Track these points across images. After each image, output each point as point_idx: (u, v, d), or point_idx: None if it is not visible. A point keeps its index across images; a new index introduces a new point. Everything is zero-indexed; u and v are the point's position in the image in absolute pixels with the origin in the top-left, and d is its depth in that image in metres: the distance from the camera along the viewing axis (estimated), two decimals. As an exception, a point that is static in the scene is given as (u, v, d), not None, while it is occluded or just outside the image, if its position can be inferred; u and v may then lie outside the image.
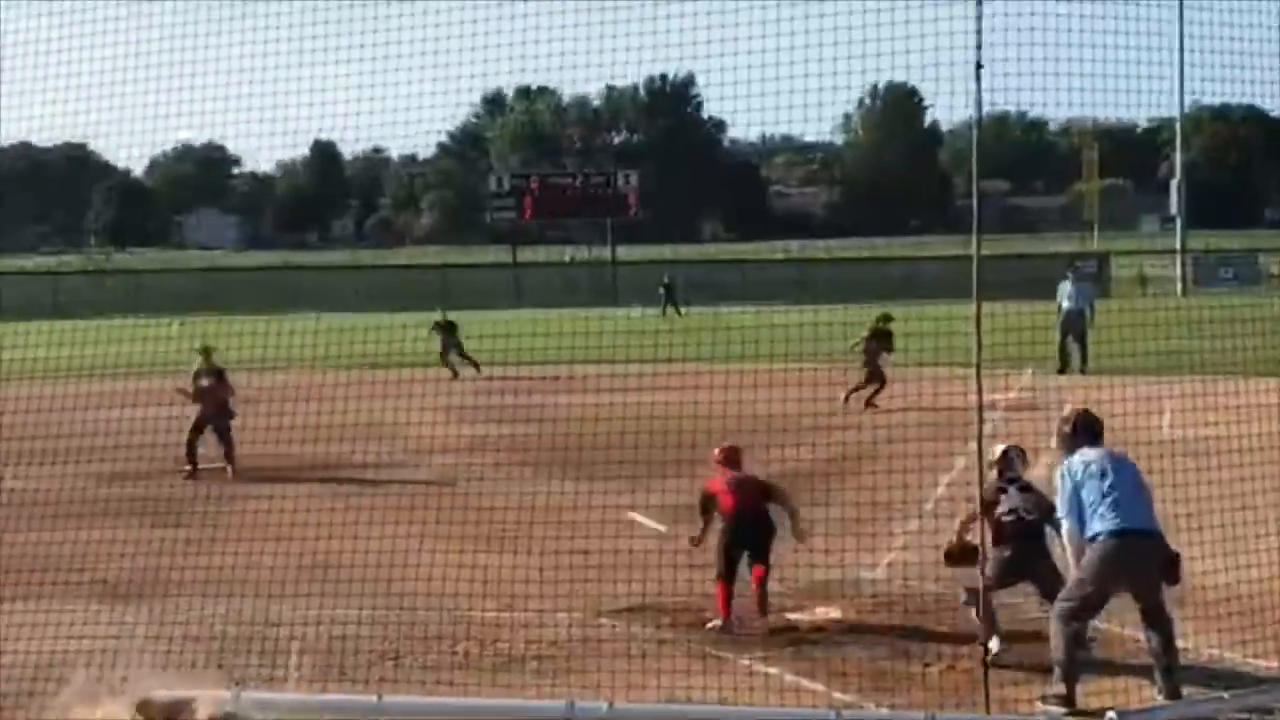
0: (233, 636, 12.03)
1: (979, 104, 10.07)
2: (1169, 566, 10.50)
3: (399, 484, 19.30)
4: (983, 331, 10.22)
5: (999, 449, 12.35)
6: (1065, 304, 31.91)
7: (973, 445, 10.73)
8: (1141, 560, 10.36)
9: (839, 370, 22.12)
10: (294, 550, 13.32)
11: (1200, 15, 12.27)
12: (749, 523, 12.90)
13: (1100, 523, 10.34)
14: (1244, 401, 16.11)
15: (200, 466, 21.26)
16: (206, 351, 22.41)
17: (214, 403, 21.67)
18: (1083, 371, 29.92)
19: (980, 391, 10.25)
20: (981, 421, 10.41)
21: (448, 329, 33.22)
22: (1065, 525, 10.58)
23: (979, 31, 9.85)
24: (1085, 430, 10.93)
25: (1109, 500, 10.36)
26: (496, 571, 12.82)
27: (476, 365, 31.39)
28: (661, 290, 57.91)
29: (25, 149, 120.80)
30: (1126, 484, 10.52)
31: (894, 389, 25.45)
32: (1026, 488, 12.00)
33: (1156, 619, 10.47)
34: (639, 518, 15.57)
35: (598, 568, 12.28)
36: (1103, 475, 10.48)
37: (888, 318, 27.13)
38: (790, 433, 18.14)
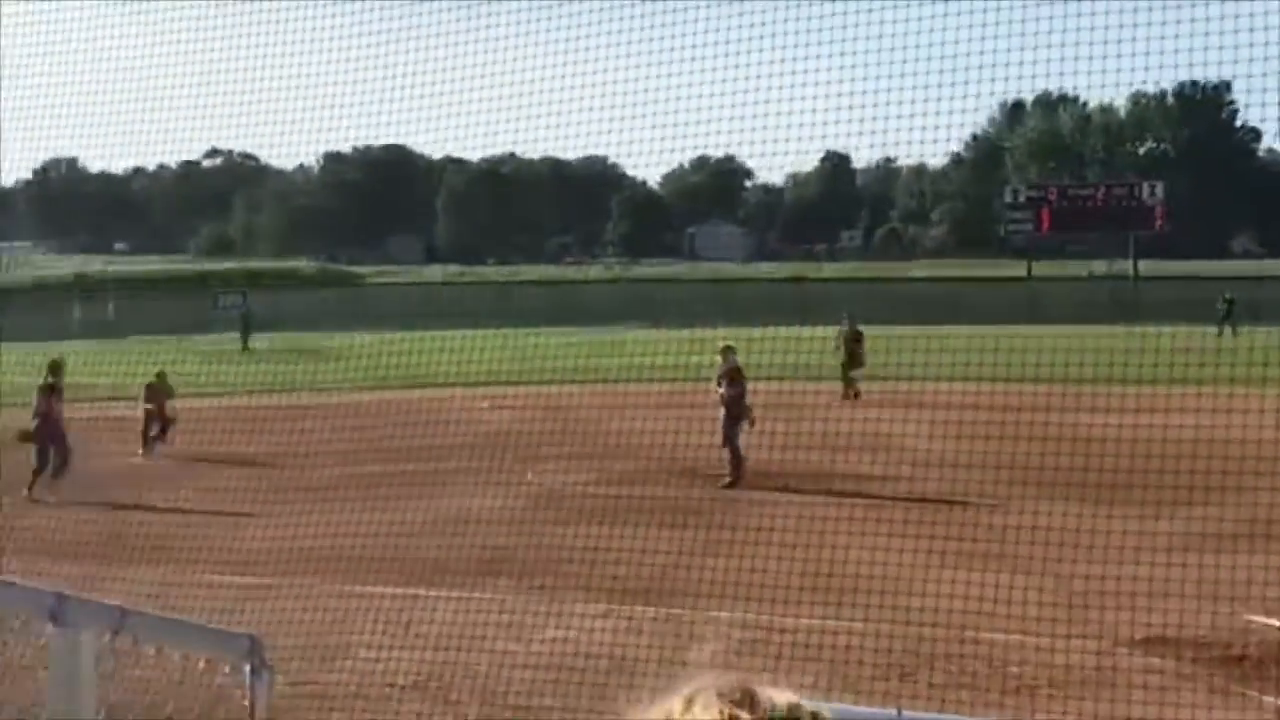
0: (738, 640, 12.12)
1: None
2: None
3: (903, 498, 19.07)
4: None
5: None
6: None
7: None
8: None
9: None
10: (802, 558, 13.31)
11: None
12: None
13: None
14: None
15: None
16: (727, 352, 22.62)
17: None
18: None
19: None
20: None
21: (857, 339, 32.96)
22: None
23: None
24: None
25: None
26: (1008, 592, 12.37)
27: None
28: (1221, 307, 54.94)
29: (551, 162, 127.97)
30: None
31: None
32: None
33: None
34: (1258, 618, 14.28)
35: (1118, 594, 11.68)
36: None
37: None
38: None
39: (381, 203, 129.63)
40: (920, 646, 11.91)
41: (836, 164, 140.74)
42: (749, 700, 1.64)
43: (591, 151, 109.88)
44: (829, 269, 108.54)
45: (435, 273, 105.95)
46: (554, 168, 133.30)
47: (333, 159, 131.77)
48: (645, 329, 36.42)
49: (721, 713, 1.59)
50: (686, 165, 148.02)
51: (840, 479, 20.68)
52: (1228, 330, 51.29)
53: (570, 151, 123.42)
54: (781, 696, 1.72)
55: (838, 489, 20.11)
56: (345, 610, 13.30)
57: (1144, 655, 11.80)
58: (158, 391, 27.25)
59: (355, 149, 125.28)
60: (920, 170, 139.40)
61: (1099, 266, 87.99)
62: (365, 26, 18.07)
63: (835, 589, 12.96)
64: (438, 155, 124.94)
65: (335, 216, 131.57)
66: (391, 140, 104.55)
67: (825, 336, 33.00)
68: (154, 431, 26.92)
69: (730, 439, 21.56)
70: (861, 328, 33.63)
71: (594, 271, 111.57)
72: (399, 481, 21.67)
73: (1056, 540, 13.96)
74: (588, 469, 23.10)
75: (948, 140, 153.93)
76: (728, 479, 21.15)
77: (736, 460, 21.38)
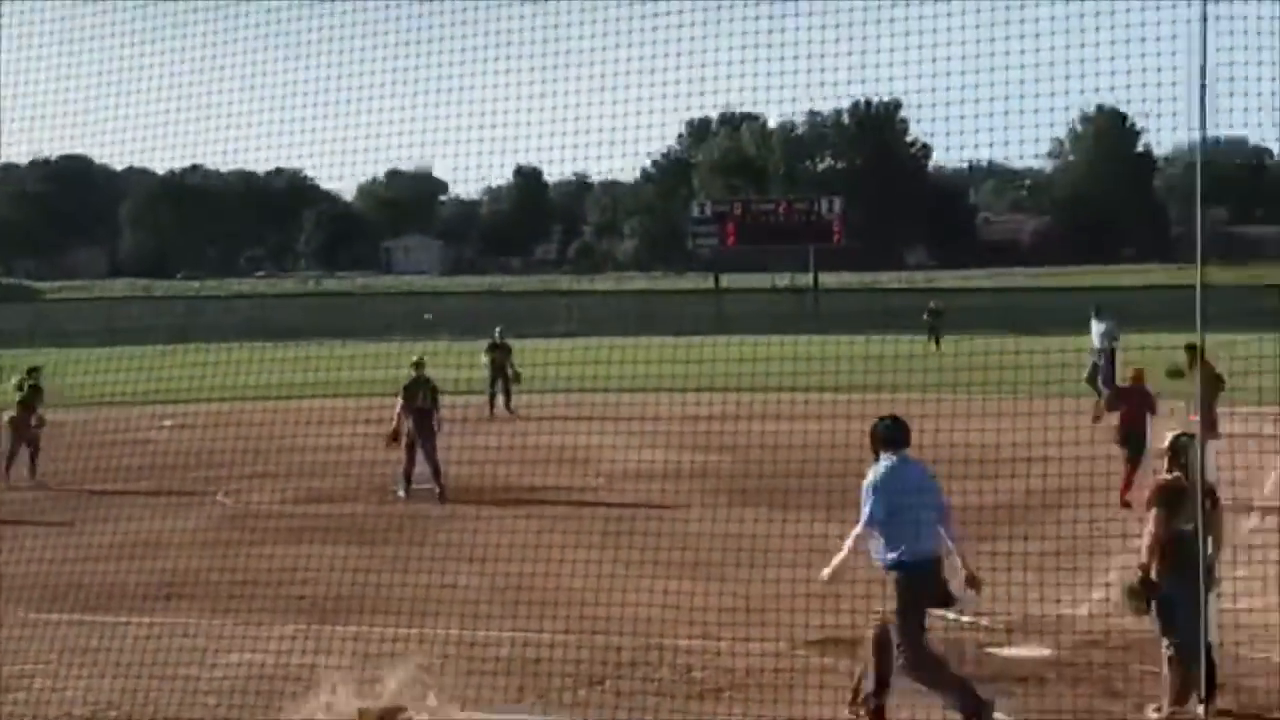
0: (435, 656, 12.11)
1: (1204, 124, 9.72)
2: None
3: (596, 508, 19.32)
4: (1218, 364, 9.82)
5: (1168, 436, 11.13)
6: (1095, 344, 30.79)
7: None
8: None
9: (1061, 399, 21.48)
10: (488, 572, 13.39)
11: None
12: None
13: None
14: None
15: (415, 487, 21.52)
16: (419, 365, 22.57)
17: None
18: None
19: (1204, 422, 9.85)
20: (1204, 452, 10.00)
21: (503, 350, 33.05)
22: None
23: (1204, 52, 9.51)
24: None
25: None
26: (693, 599, 12.68)
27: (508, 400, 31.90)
28: (927, 318, 56.31)
29: (241, 174, 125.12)
30: None
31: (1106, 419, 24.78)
32: (1209, 492, 10.67)
33: None
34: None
35: (795, 597, 12.09)
36: None
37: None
38: (1004, 463, 17.72)
39: (62, 215, 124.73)
40: (609, 655, 12.11)
41: (530, 178, 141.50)
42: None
43: (283, 164, 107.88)
44: (524, 282, 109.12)
45: (120, 287, 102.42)
46: (245, 179, 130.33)
47: (6, 170, 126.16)
48: (339, 343, 35.94)
49: None
50: (381, 178, 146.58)
51: (533, 492, 20.84)
52: (934, 339, 52.49)
53: (262, 164, 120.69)
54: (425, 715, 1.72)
55: (530, 502, 20.27)
56: (20, 639, 12.82)
57: (821, 656, 12.25)
58: None
59: (34, 161, 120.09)
60: (611, 185, 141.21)
61: (782, 279, 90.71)
62: (37, 29, 17.38)
63: (527, 601, 13.09)
64: (120, 166, 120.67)
65: (10, 229, 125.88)
66: (72, 150, 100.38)
67: (523, 351, 33.20)
68: None
69: (429, 454, 21.55)
70: (510, 341, 33.66)
71: (288, 285, 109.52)
72: (81, 504, 20.94)
73: (738, 546, 14.36)
74: (279, 487, 22.71)
75: (636, 155, 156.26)
76: (438, 491, 21.17)
77: (436, 472, 21.38)
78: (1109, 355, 30.89)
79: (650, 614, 12.26)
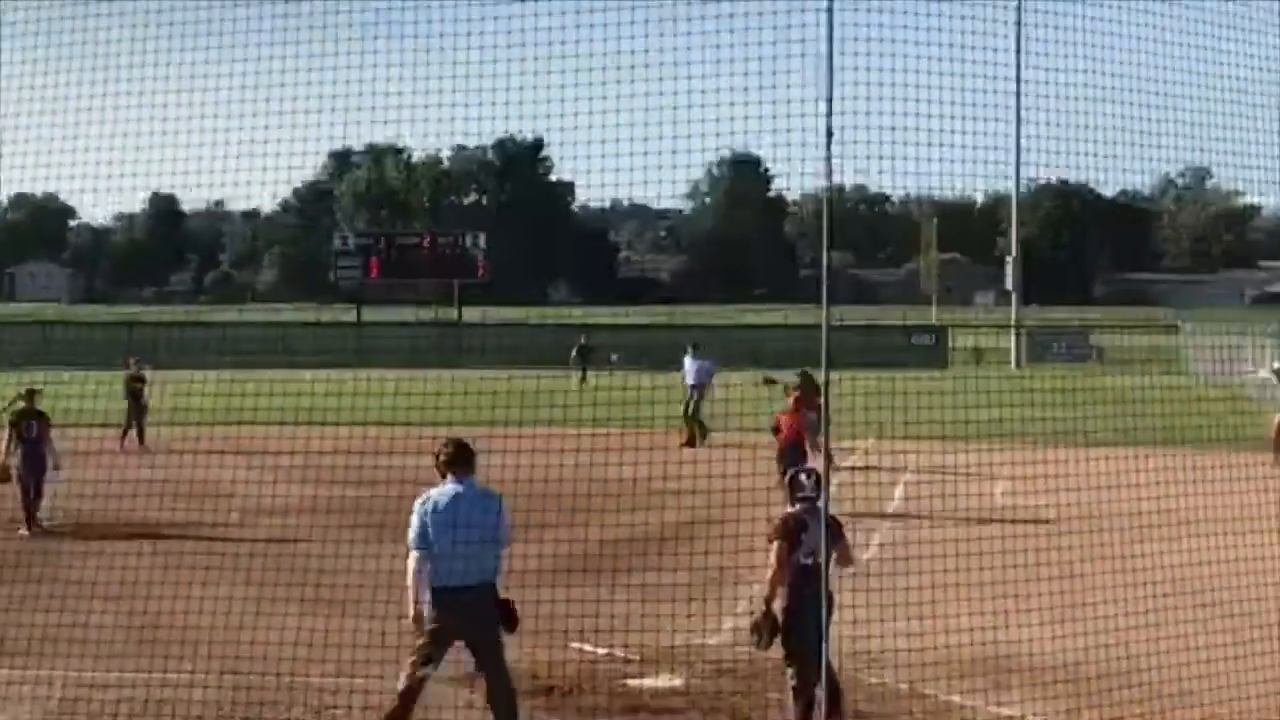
0: (60, 698, 11.60)
1: (829, 171, 10.17)
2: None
3: (230, 544, 18.85)
4: (830, 398, 10.28)
5: (791, 471, 11.53)
6: (688, 380, 32.53)
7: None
8: None
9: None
10: (121, 610, 12.91)
11: (1038, 101, 12.56)
12: None
13: None
14: (1074, 471, 16.43)
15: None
16: (31, 395, 21.59)
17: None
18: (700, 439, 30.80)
19: (828, 456, 10.30)
20: (828, 484, 10.45)
21: (139, 381, 31.47)
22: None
23: (830, 100, 9.98)
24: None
25: None
26: (327, 636, 12.50)
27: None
28: (575, 353, 56.63)
29: None
30: None
31: (740, 453, 25.58)
32: (833, 525, 10.95)
33: None
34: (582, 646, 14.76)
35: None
36: None
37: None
38: (640, 496, 18.12)
39: None
40: (241, 695, 11.83)
41: (164, 206, 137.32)
42: None
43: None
44: (158, 312, 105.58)
45: None
46: None
47: None
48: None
49: None
50: (5, 202, 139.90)
51: (167, 527, 20.16)
52: (582, 374, 52.90)
53: None
54: None
55: (164, 537, 19.61)
56: None
57: (458, 690, 12.24)
58: None
59: None
60: (252, 214, 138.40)
61: (426, 313, 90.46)
62: None
63: (159, 640, 12.67)
64: None
65: None
66: None
67: (159, 382, 32.13)
68: None
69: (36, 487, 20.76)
70: (147, 372, 32.60)
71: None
72: None
73: (375, 582, 14.24)
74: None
75: (278, 184, 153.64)
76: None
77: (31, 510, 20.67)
78: (701, 391, 32.16)
79: (283, 652, 12.04)
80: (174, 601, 13.36)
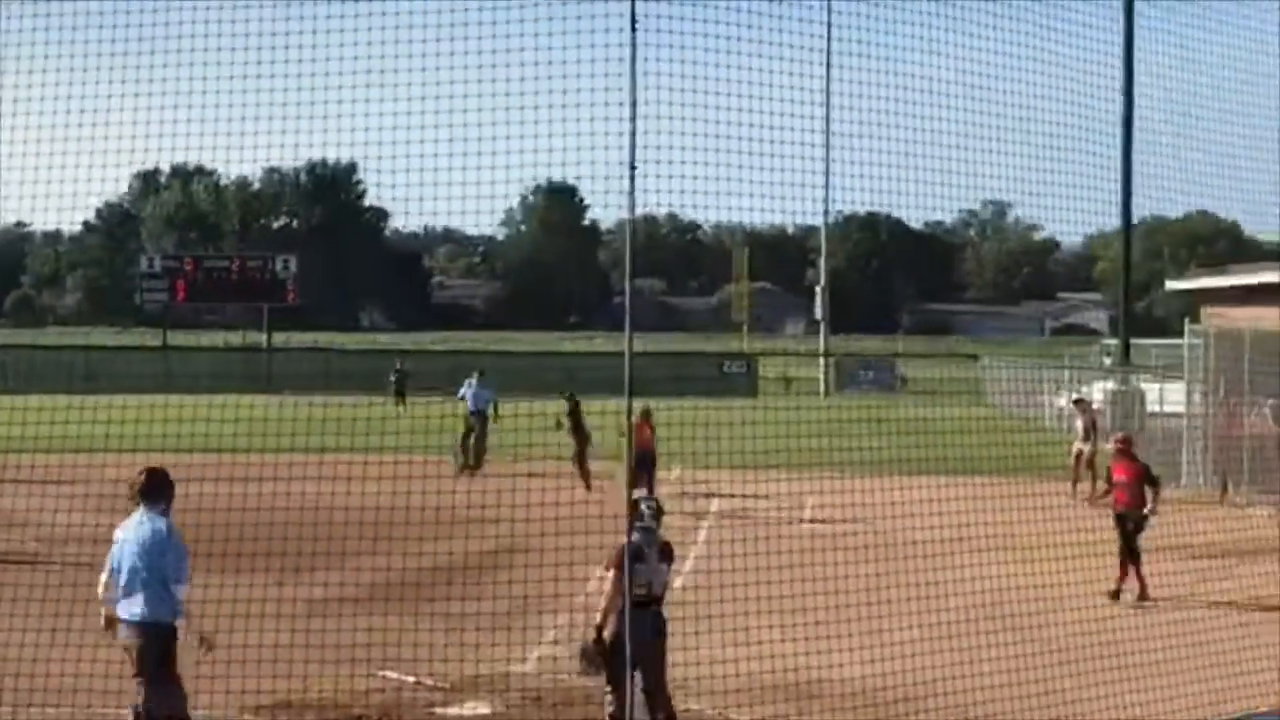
0: None
1: (632, 204, 10.34)
2: None
3: (25, 573, 18.35)
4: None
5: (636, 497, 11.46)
6: (470, 406, 32.88)
7: (620, 538, 10.90)
8: None
9: (514, 463, 22.04)
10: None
11: (845, 128, 12.87)
12: None
13: None
14: (879, 499, 16.81)
15: None
16: None
17: None
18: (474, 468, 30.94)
19: (630, 484, 10.42)
20: (632, 514, 10.57)
21: None
22: None
23: (633, 134, 10.14)
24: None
25: None
26: (123, 667, 12.24)
27: None
28: (393, 378, 56.17)
29: None
30: None
31: (546, 483, 25.67)
32: (665, 550, 11.16)
33: None
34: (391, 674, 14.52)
35: (241, 662, 11.93)
36: None
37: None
38: (444, 525, 18.07)
39: None
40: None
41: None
42: None
43: None
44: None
45: None
46: None
47: None
48: None
49: None
50: None
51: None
52: (399, 399, 52.57)
53: None
54: None
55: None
56: None
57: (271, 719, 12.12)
58: None
59: None
60: (54, 235, 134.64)
61: (234, 337, 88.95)
62: None
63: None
64: None
65: None
66: None
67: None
68: None
69: None
70: None
71: None
72: None
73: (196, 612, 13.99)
74: None
75: (82, 206, 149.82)
76: None
77: None
78: (484, 418, 32.29)
79: (79, 684, 11.78)
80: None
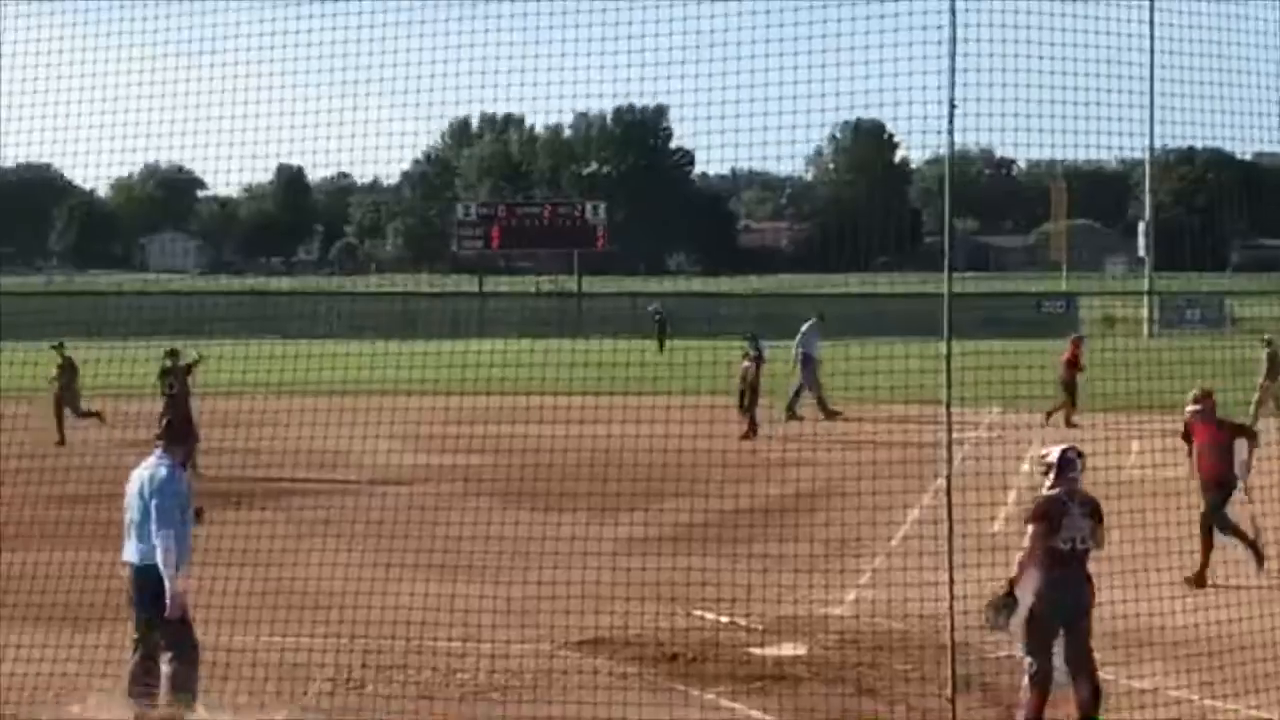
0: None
1: (951, 142, 10.06)
2: None
3: (357, 511, 19.11)
4: (952, 369, 10.17)
5: (1055, 450, 10.66)
6: (804, 350, 31.80)
7: (939, 482, 10.67)
8: None
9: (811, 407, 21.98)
10: (251, 576, 13.12)
11: (1169, 59, 12.27)
12: None
13: None
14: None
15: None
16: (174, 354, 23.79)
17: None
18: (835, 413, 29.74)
19: (950, 428, 10.18)
20: (951, 459, 10.34)
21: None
22: None
23: (953, 70, 9.85)
24: None
25: None
26: (454, 601, 12.62)
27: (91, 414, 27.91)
28: (657, 321, 57.28)
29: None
30: None
31: (861, 426, 25.44)
32: (1090, 506, 10.39)
33: None
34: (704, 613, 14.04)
35: (552, 599, 12.18)
36: None
37: None
38: (759, 468, 18.09)
39: None
40: (371, 659, 12.01)
41: (291, 178, 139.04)
42: None
43: (33, 158, 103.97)
44: (286, 283, 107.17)
45: None
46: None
47: None
48: (88, 341, 34.81)
49: None
50: (136, 174, 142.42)
51: (292, 494, 20.51)
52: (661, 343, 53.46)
53: (9, 158, 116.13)
54: None
55: (290, 504, 19.94)
56: None
57: (584, 656, 12.34)
58: None
59: None
60: (375, 185, 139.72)
61: (545, 282, 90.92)
62: None
63: (287, 605, 12.87)
64: None
65: None
66: None
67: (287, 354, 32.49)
68: None
69: None
70: (279, 344, 32.79)
71: (36, 283, 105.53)
72: None
73: (503, 548, 14.39)
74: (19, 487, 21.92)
75: (401, 159, 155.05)
76: None
77: None
78: (814, 364, 31.41)
79: (412, 616, 12.17)
80: (301, 568, 13.55)
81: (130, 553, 10.55)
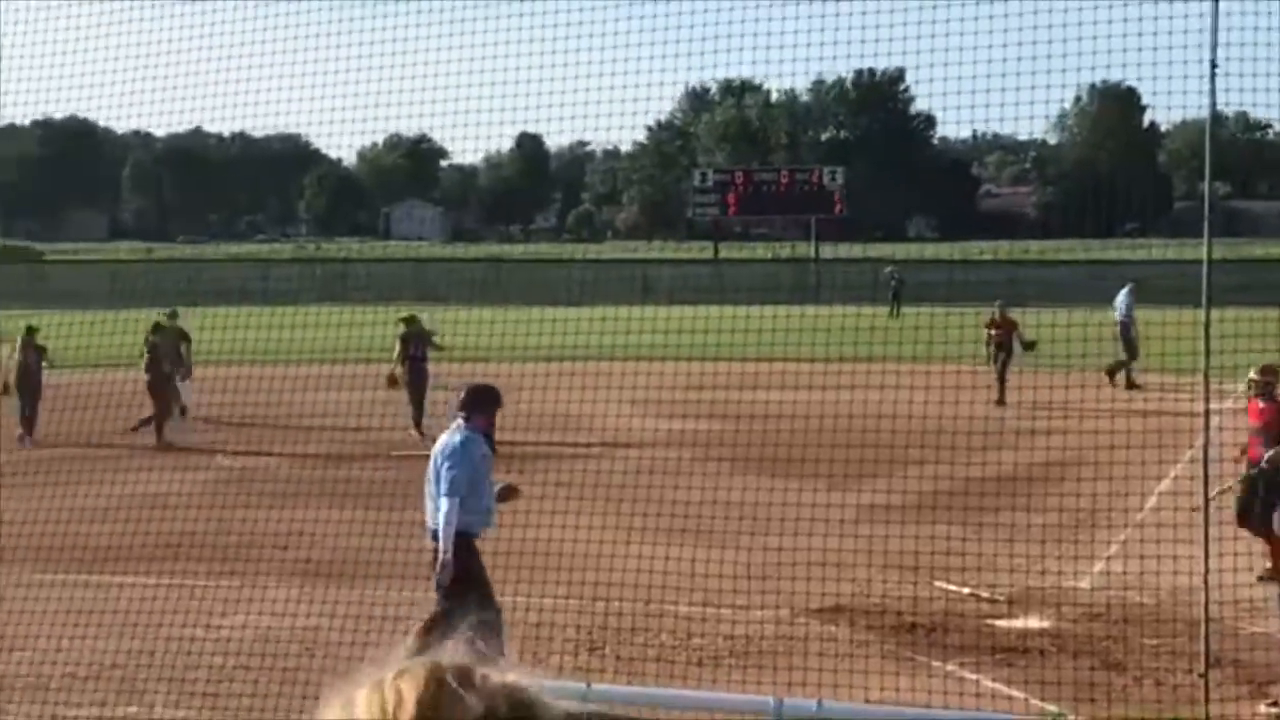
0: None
1: (1213, 104, 9.67)
2: None
3: (597, 475, 19.31)
4: (1211, 337, 9.79)
5: None
6: (1121, 315, 30.58)
7: (1189, 454, 10.32)
8: None
9: (1057, 374, 21.47)
10: (495, 536, 13.36)
11: None
12: None
13: None
14: None
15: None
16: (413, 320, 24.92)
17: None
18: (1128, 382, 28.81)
19: (1208, 398, 9.82)
20: (1209, 429, 9.98)
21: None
22: None
23: (1215, 30, 9.47)
24: None
25: None
26: (693, 565, 12.68)
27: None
28: (893, 285, 57.13)
29: (243, 138, 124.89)
30: None
31: (1115, 393, 24.91)
32: None
33: None
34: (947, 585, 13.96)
35: (797, 564, 12.12)
36: None
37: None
38: (1006, 435, 17.76)
39: (62, 177, 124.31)
40: (610, 620, 12.13)
41: (531, 146, 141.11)
42: (465, 677, 1.54)
43: (283, 129, 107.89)
44: (524, 250, 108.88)
45: (121, 250, 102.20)
46: (245, 144, 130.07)
47: (8, 132, 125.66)
48: (337, 307, 35.90)
49: (432, 686, 1.48)
50: (381, 144, 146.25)
51: (533, 458, 20.83)
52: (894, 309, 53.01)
53: (261, 129, 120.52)
54: (500, 675, 1.61)
55: (531, 468, 20.24)
56: (21, 599, 12.80)
57: (822, 624, 12.27)
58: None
59: (35, 121, 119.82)
60: (612, 153, 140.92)
61: (782, 249, 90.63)
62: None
63: (529, 566, 13.08)
64: (122, 129, 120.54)
65: (10, 190, 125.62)
66: (74, 113, 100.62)
67: (525, 319, 33.12)
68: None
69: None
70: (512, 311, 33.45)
71: (287, 250, 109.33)
72: (81, 464, 20.93)
73: (740, 514, 14.39)
74: (280, 449, 22.76)
75: (635, 125, 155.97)
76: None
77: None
78: (1127, 329, 30.54)
79: (651, 579, 12.25)
80: (542, 530, 13.74)
81: (428, 518, 10.68)
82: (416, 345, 24.26)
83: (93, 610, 12.48)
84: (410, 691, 1.40)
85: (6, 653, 11.47)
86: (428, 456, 10.87)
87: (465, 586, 10.26)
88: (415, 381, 23.91)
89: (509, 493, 11.15)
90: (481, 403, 10.79)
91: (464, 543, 10.38)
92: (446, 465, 10.37)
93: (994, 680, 10.83)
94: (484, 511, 10.57)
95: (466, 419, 10.62)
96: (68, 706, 10.52)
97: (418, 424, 23.41)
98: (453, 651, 1.53)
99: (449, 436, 10.60)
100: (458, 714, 1.39)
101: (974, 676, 10.91)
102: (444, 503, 10.33)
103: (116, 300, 46.22)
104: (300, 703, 9.64)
